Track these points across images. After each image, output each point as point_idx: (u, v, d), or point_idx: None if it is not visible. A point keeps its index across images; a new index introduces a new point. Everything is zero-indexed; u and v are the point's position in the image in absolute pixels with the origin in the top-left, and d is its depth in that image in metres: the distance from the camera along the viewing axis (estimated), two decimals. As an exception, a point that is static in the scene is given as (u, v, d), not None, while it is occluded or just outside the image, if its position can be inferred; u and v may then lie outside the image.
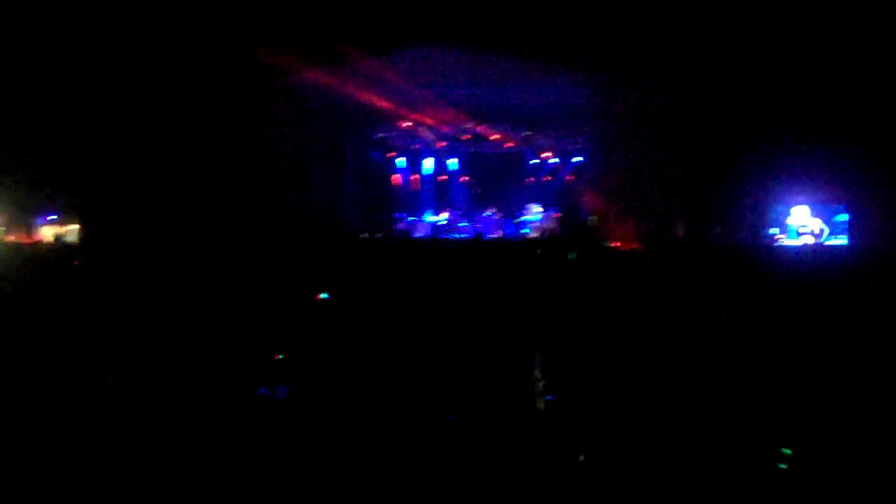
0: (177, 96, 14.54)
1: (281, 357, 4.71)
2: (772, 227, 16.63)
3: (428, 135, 22.84)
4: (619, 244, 14.17)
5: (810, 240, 16.18)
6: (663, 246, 14.57)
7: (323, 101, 19.65)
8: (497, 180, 24.20)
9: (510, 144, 23.29)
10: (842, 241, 16.09)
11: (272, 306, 6.06)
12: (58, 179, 14.19)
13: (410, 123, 21.92)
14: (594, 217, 19.02)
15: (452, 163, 24.64)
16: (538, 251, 11.56)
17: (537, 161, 24.07)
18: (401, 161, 24.63)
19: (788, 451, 3.07)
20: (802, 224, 16.50)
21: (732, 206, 16.41)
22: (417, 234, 21.71)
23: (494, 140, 23.03)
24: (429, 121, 21.30)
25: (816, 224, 16.51)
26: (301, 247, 12.45)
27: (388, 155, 24.32)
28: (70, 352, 4.52)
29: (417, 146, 23.97)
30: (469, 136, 22.90)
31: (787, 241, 16.38)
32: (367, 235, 19.91)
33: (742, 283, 7.63)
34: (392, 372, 4.38)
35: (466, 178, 24.82)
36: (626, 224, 17.22)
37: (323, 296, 6.62)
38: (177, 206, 14.45)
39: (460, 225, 22.63)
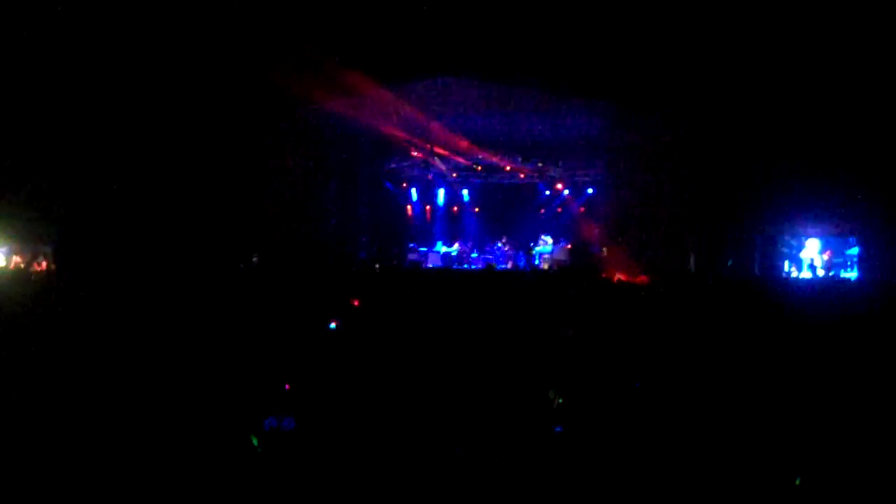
0: (191, 125, 14.71)
1: (288, 387, 4.64)
2: (783, 259, 16.63)
3: (441, 166, 22.95)
4: (626, 276, 14.19)
5: (820, 273, 16.17)
6: (674, 278, 14.55)
7: (338, 132, 19.87)
8: (509, 211, 24.26)
9: (522, 176, 23.38)
10: (852, 274, 16.08)
11: (282, 335, 5.99)
12: (63, 208, 14.29)
13: (423, 154, 22.04)
14: (605, 249, 19.03)
15: (464, 193, 24.74)
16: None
17: (549, 192, 24.16)
18: (413, 191, 24.83)
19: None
20: (812, 257, 16.51)
21: (744, 238, 16.44)
22: (429, 265, 21.68)
23: (507, 171, 23.13)
24: (442, 151, 21.42)
25: (825, 258, 16.51)
26: (313, 276, 12.52)
27: (402, 185, 24.49)
28: (71, 383, 4.52)
29: (430, 177, 24.11)
30: (481, 168, 23.01)
31: (799, 273, 16.39)
32: (379, 265, 19.94)
33: (752, 316, 7.63)
34: (400, 402, 4.38)
35: (478, 210, 24.91)
36: (637, 256, 17.21)
37: (331, 326, 6.59)
38: (189, 233, 14.57)
39: (472, 256, 22.64)
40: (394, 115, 17.73)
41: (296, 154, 18.69)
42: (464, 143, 20.56)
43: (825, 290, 11.33)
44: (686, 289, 11.41)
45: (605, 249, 19.00)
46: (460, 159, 22.30)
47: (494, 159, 22.30)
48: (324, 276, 13.18)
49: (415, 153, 22.04)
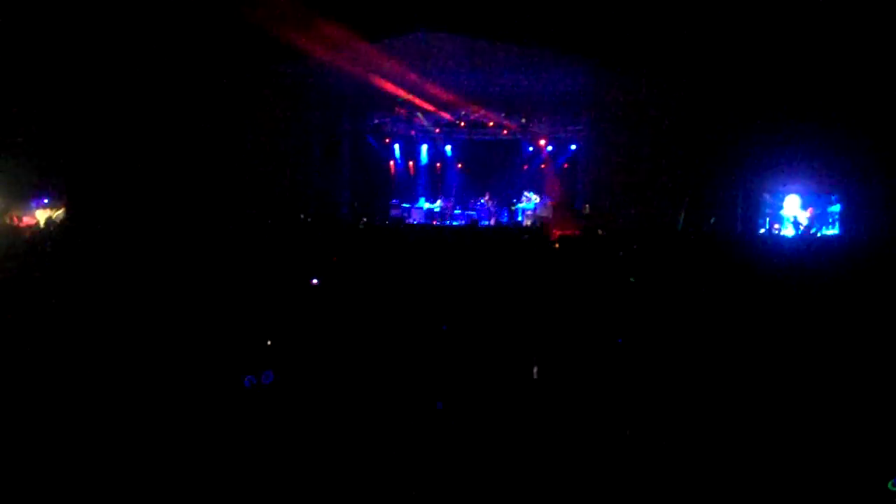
0: (171, 83, 14.54)
1: (270, 343, 4.59)
2: (764, 217, 16.70)
3: (424, 121, 22.82)
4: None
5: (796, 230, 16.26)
6: (657, 235, 14.56)
7: (320, 88, 19.68)
8: (492, 168, 24.22)
9: (506, 132, 23.30)
10: (833, 231, 16.17)
11: (263, 291, 6.00)
12: (50, 164, 14.16)
13: (406, 110, 21.91)
14: (587, 206, 19.08)
15: (448, 149, 24.68)
16: (525, 237, 11.64)
17: (532, 149, 24.13)
18: (396, 147, 24.73)
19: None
20: (794, 214, 16.57)
21: (726, 196, 16.49)
22: (412, 221, 21.73)
23: (491, 127, 23.03)
24: (426, 107, 21.25)
25: (806, 215, 16.59)
26: (295, 232, 12.46)
27: (385, 141, 24.37)
28: (55, 339, 4.48)
29: (413, 133, 23.97)
30: (465, 124, 22.89)
31: (781, 231, 16.47)
32: (365, 221, 19.90)
33: (734, 273, 7.66)
34: (382, 358, 4.37)
35: (461, 166, 24.85)
36: (621, 213, 17.28)
37: (314, 282, 6.57)
38: (170, 191, 14.49)
39: (455, 212, 22.66)
40: (377, 69, 17.58)
41: (277, 110, 18.52)
42: (447, 98, 20.40)
43: (803, 246, 11.38)
44: (664, 246, 11.40)
45: (587, 206, 19.04)
46: (444, 114, 22.14)
47: (478, 115, 22.20)
48: (305, 231, 13.14)
49: (398, 109, 21.92)
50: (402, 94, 19.77)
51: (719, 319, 5.39)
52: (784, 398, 3.83)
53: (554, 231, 14.31)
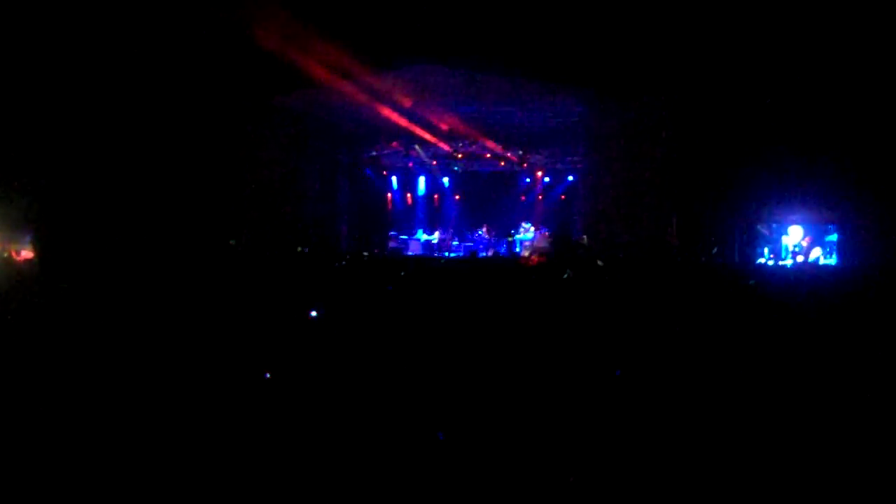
0: (172, 111, 14.54)
1: (269, 376, 4.60)
2: (763, 246, 16.69)
3: (421, 154, 22.89)
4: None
5: (800, 259, 16.26)
6: (656, 266, 14.56)
7: (318, 120, 19.78)
8: (489, 199, 24.27)
9: (503, 163, 23.31)
10: (831, 261, 16.18)
11: (262, 323, 5.97)
12: (45, 195, 14.09)
13: (404, 142, 22.01)
14: (584, 236, 19.06)
15: (445, 181, 24.79)
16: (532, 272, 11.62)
17: (530, 180, 24.17)
18: (394, 179, 24.76)
19: None
20: (796, 244, 16.59)
21: (725, 225, 16.45)
22: (409, 253, 21.75)
23: (488, 159, 23.07)
24: (423, 138, 21.32)
25: (804, 244, 16.60)
26: (294, 264, 12.46)
27: (382, 173, 24.39)
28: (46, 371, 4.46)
29: (411, 165, 24.00)
30: (462, 155, 22.94)
31: (779, 261, 16.46)
32: (366, 253, 19.89)
33: (733, 302, 7.65)
34: (384, 391, 4.36)
35: (459, 197, 24.90)
36: (619, 244, 17.24)
37: (312, 314, 6.54)
38: (169, 221, 14.42)
39: (453, 244, 22.61)
40: (375, 100, 17.67)
41: (275, 141, 18.56)
42: (444, 130, 20.57)
43: (800, 275, 11.39)
44: (663, 276, 11.40)
45: (585, 237, 19.02)
46: (442, 146, 22.20)
47: (475, 146, 22.27)
48: (304, 264, 13.12)
49: (395, 143, 22.06)
50: (400, 125, 19.87)
51: (721, 349, 5.37)
52: (787, 429, 3.85)
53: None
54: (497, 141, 21.79)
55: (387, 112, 18.63)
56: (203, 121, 15.30)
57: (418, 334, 5.76)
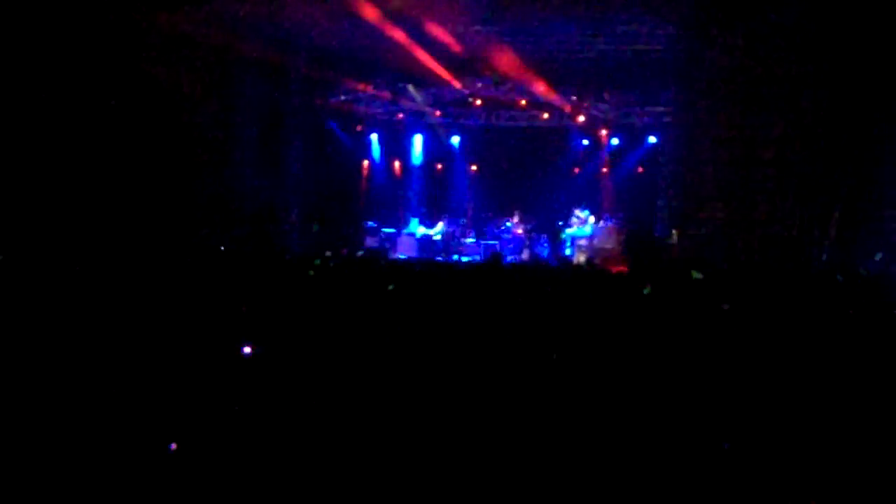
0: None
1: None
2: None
3: (418, 99, 22.71)
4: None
5: None
6: (790, 277, 14.41)
7: (256, 47, 19.52)
8: (525, 171, 24.27)
9: (546, 116, 23.17)
10: None
11: (168, 359, 6.19)
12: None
13: (390, 80, 21.88)
14: (674, 232, 18.97)
15: (455, 142, 24.74)
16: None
17: (588, 142, 24.14)
18: (374, 139, 24.63)
19: None
20: None
21: None
22: (399, 255, 21.66)
23: (523, 108, 22.85)
24: (421, 75, 21.15)
25: None
26: (217, 270, 12.32)
27: (356, 129, 24.27)
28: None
29: (401, 116, 23.99)
30: (482, 102, 22.73)
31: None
32: (329, 255, 19.78)
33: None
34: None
35: (476, 168, 24.80)
36: (727, 243, 17.11)
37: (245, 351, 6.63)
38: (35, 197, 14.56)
39: (466, 241, 22.54)
40: (344, 18, 17.58)
41: (187, 80, 18.45)
42: (455, 61, 20.31)
43: None
44: (807, 294, 11.25)
45: (675, 233, 18.92)
46: (450, 86, 21.99)
47: (503, 88, 21.98)
48: (233, 271, 13.03)
49: (374, 83, 21.95)
50: (384, 49, 19.64)
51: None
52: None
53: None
54: (539, 78, 21.54)
55: (357, 37, 18.49)
56: (70, 46, 15.35)
57: (409, 406, 5.79)
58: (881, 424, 5.35)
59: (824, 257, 16.22)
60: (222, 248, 17.29)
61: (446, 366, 6.60)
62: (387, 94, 22.54)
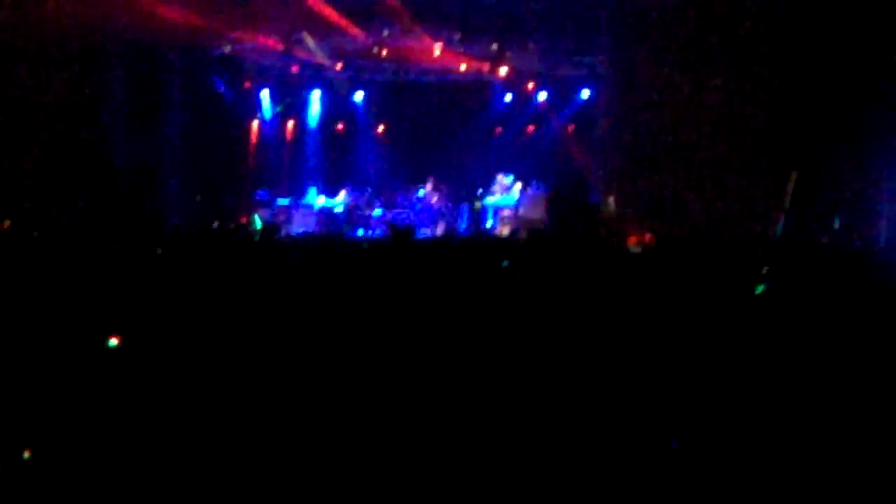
0: None
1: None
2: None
3: (314, 49, 22.50)
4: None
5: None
6: (740, 244, 14.51)
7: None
8: (440, 132, 24.23)
9: (463, 68, 22.90)
10: None
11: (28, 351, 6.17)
12: None
13: (282, 28, 21.65)
14: (611, 199, 19.02)
15: (358, 99, 24.50)
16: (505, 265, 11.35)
17: (511, 98, 24.03)
18: (265, 96, 24.45)
19: None
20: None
21: (863, 186, 16.45)
22: (295, 230, 21.41)
23: (436, 60, 22.64)
24: (317, 22, 20.97)
25: None
26: (80, 249, 12.15)
27: (243, 86, 24.06)
28: None
29: (296, 70, 23.68)
30: (388, 52, 22.54)
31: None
32: (215, 227, 19.64)
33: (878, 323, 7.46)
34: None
35: (383, 129, 24.71)
36: (668, 210, 17.19)
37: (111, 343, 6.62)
38: None
39: (373, 214, 22.52)
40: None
41: (46, 28, 18.18)
42: (358, 6, 20.15)
43: None
44: (753, 269, 11.30)
45: (611, 199, 18.97)
46: (351, 35, 21.75)
47: (413, 37, 21.85)
48: (100, 249, 12.86)
49: (264, 31, 21.68)
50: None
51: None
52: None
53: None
54: (453, 27, 21.42)
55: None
56: None
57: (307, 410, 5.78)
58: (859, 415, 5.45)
59: (779, 227, 16.30)
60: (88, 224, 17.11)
61: (341, 362, 6.46)
62: (278, 44, 22.26)
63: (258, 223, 21.31)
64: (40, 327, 6.78)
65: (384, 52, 22.38)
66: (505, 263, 11.11)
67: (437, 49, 22.17)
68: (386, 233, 20.98)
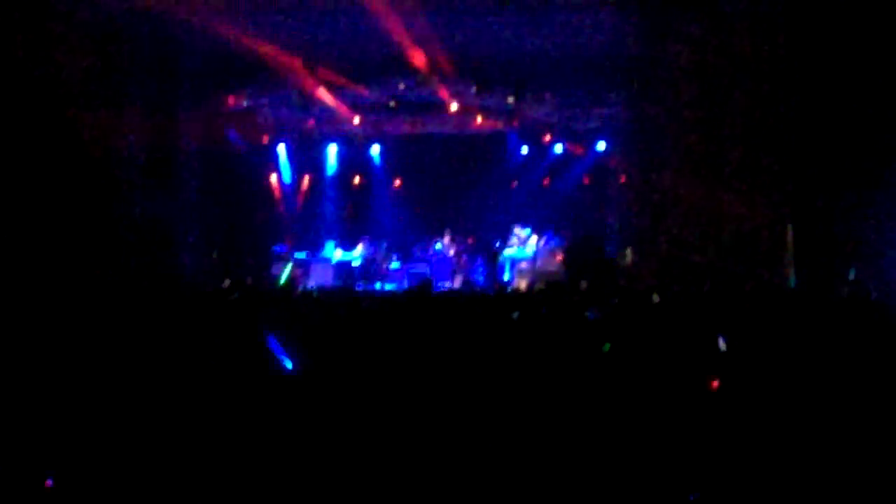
0: None
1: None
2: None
3: (331, 102, 22.53)
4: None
5: None
6: (756, 299, 14.41)
7: (143, 36, 19.29)
8: (456, 185, 24.24)
9: (479, 120, 22.94)
10: None
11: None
12: None
13: (299, 82, 21.66)
14: (628, 251, 18.95)
15: (374, 153, 24.56)
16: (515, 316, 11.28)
17: (527, 150, 24.12)
18: (281, 150, 24.52)
19: None
20: None
21: (877, 231, 16.35)
22: (312, 284, 21.26)
23: (451, 113, 22.70)
24: (334, 78, 21.00)
25: None
26: (90, 305, 12.07)
27: (260, 139, 24.11)
28: None
29: (312, 123, 23.74)
30: (403, 106, 22.55)
31: None
32: (228, 284, 19.56)
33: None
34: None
35: (400, 182, 24.69)
36: (686, 261, 17.11)
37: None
38: None
39: (390, 267, 22.49)
40: (246, 6, 17.40)
41: (65, 74, 18.23)
42: (373, 61, 20.16)
43: None
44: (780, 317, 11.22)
45: (628, 252, 18.92)
46: (366, 91, 21.81)
47: (428, 89, 21.85)
48: (109, 305, 12.80)
49: (281, 80, 21.71)
50: (291, 52, 19.54)
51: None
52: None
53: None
54: (469, 78, 21.44)
55: (262, 29, 18.34)
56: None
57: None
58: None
59: (792, 277, 16.25)
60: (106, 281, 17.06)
61: (362, 418, 6.39)
62: (296, 97, 22.31)
63: (286, 274, 21.44)
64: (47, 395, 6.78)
65: (399, 105, 22.42)
66: (515, 315, 11.07)
67: (454, 105, 22.19)
68: (403, 286, 20.94)
